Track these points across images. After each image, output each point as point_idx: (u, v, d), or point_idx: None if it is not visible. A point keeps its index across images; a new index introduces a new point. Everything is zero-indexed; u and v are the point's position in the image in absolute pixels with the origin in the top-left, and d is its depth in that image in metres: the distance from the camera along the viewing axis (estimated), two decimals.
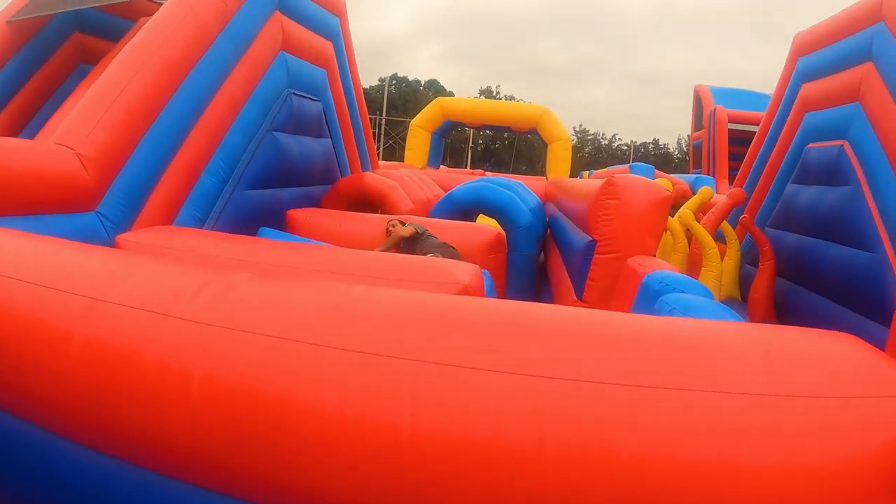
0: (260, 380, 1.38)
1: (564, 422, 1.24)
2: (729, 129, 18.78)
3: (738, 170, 20.40)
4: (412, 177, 7.58)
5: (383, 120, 43.98)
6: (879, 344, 1.55)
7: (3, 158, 2.97)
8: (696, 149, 22.02)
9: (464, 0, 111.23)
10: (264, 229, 4.40)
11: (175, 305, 1.53)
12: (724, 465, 1.18)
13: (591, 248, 3.59)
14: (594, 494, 1.21)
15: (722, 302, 3.71)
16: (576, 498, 1.22)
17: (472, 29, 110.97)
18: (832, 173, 5.19)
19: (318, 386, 1.34)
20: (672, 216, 6.21)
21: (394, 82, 56.64)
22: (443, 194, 6.77)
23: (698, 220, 6.39)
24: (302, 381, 1.36)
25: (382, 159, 21.53)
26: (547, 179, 12.45)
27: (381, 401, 1.31)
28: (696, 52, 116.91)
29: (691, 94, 22.28)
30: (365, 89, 10.67)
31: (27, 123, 6.11)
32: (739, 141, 19.41)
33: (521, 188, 6.43)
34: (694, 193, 7.89)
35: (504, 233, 5.17)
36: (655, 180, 4.75)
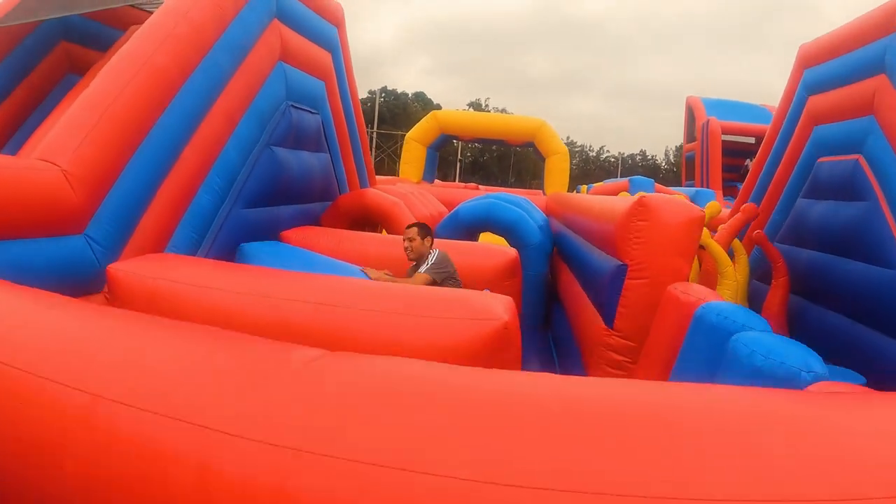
0: None
1: None
2: (721, 141, 18.86)
3: (731, 182, 20.53)
4: (414, 192, 7.32)
5: (375, 133, 43.83)
6: None
7: None
8: (689, 161, 22.06)
9: (449, 13, 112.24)
10: (245, 245, 4.17)
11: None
12: None
13: (620, 272, 3.37)
14: None
15: None
16: None
17: (457, 42, 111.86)
18: (847, 188, 5.09)
19: None
20: None
21: (383, 95, 56.60)
22: (445, 210, 6.54)
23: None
24: None
25: None
26: (544, 194, 12.29)
27: None
28: (681, 64, 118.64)
29: (677, 105, 22.51)
30: None
31: (11, 137, 5.84)
32: (732, 152, 19.52)
33: (528, 204, 6.22)
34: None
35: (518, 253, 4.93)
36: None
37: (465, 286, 4.00)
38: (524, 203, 6.06)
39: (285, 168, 5.00)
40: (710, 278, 6.48)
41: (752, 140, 20.16)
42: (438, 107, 49.10)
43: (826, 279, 5.18)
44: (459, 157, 47.88)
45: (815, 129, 5.87)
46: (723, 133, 18.92)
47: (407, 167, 14.19)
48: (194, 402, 1.29)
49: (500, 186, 25.20)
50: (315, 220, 5.89)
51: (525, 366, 2.51)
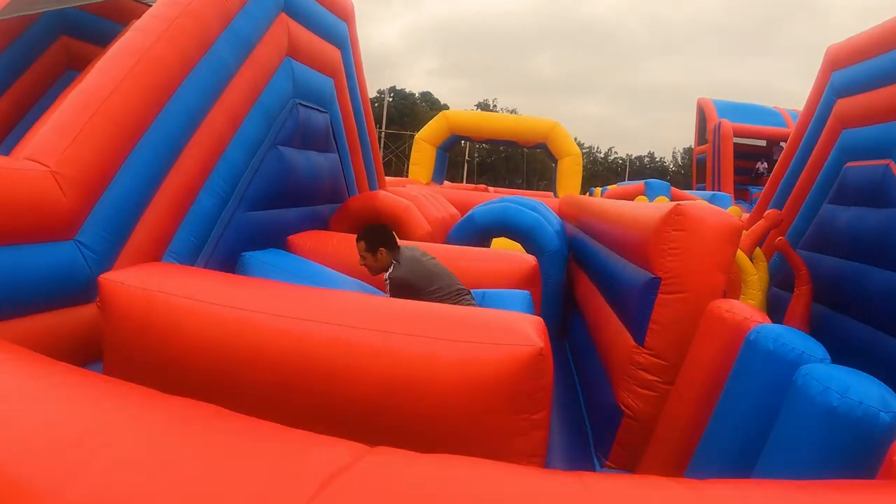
0: None
1: None
2: (733, 143, 18.61)
3: (742, 185, 20.29)
4: (426, 195, 7.03)
5: (383, 133, 43.66)
6: None
7: None
8: (700, 163, 21.77)
9: (456, 14, 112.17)
10: (248, 254, 3.87)
11: None
12: None
13: (652, 286, 3.09)
14: None
15: None
16: None
17: (464, 43, 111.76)
18: (876, 194, 4.92)
19: None
20: None
21: (392, 95, 56.49)
22: (457, 213, 6.29)
23: None
24: None
25: None
26: (555, 195, 12.03)
27: None
28: (689, 66, 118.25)
29: (684, 107, 22.34)
30: None
31: (7, 135, 5.63)
32: (744, 155, 19.23)
33: (544, 208, 5.96)
34: None
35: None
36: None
37: None
38: (540, 207, 5.80)
39: (292, 169, 4.77)
40: (732, 287, 6.25)
41: (763, 143, 19.88)
42: (446, 107, 48.96)
43: (852, 288, 4.99)
44: (467, 157, 47.67)
45: (843, 133, 5.69)
46: (735, 135, 18.62)
47: (416, 168, 13.96)
48: None
49: (509, 188, 24.97)
50: (323, 223, 5.66)
51: None
